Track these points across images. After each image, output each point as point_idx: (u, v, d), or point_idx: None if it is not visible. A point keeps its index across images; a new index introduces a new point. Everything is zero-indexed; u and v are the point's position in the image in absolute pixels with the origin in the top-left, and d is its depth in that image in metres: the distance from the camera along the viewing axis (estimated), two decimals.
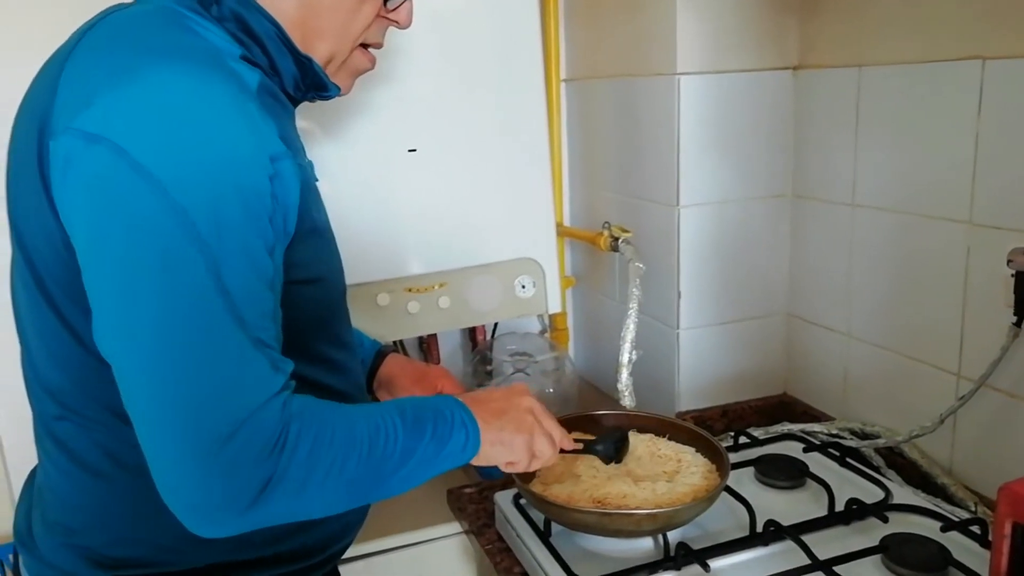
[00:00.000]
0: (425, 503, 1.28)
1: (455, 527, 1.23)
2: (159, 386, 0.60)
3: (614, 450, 0.96)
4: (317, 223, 0.78)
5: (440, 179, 1.27)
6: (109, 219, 0.60)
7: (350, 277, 1.23)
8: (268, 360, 0.64)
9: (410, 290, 1.28)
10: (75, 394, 0.71)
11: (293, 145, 0.77)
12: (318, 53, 0.77)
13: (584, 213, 1.57)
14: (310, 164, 0.82)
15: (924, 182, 1.07)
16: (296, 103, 0.83)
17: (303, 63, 0.76)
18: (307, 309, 0.77)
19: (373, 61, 0.86)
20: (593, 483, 0.96)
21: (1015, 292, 0.95)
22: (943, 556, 0.87)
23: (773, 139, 1.29)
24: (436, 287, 1.29)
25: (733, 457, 1.12)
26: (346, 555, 1.18)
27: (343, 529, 0.89)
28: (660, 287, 1.32)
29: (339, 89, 0.83)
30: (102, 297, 0.62)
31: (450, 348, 1.49)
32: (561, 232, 1.52)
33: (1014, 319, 0.95)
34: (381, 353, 1.10)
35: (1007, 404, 0.98)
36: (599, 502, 0.93)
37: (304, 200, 0.72)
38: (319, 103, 0.86)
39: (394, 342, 1.38)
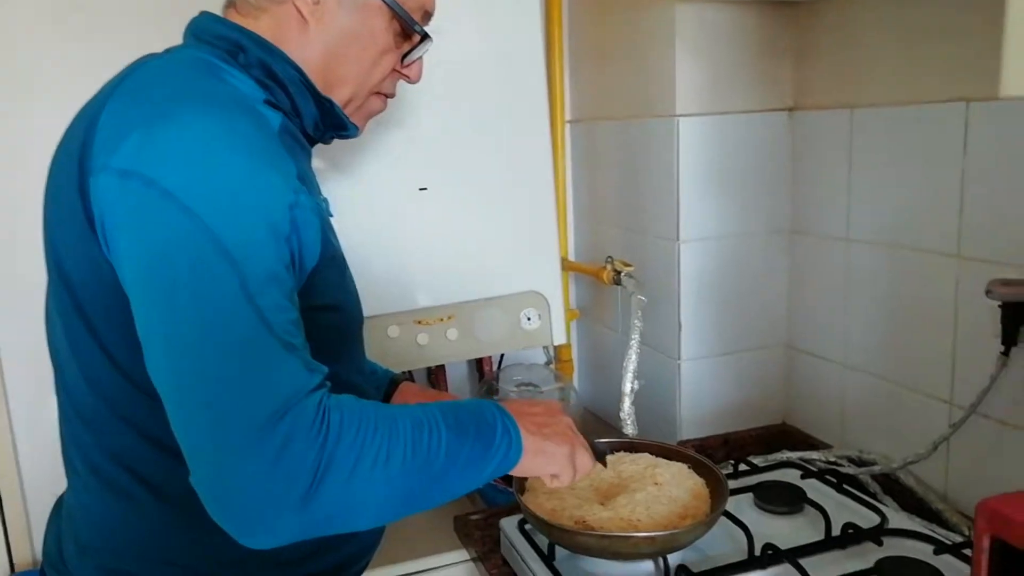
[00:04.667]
0: (432, 531, 1.30)
1: (462, 554, 1.26)
2: (201, 391, 0.63)
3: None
4: (335, 253, 0.82)
5: (449, 216, 1.32)
6: (146, 245, 0.64)
7: (363, 310, 1.30)
8: (301, 361, 0.67)
9: (419, 322, 1.33)
10: (109, 418, 0.75)
11: (310, 182, 0.83)
12: (338, 97, 0.83)
13: (588, 248, 1.62)
14: (325, 201, 0.87)
15: (914, 217, 1.11)
16: (313, 143, 0.89)
17: (324, 105, 0.82)
18: (327, 334, 0.79)
19: (385, 103, 0.92)
20: (581, 502, 0.99)
21: (1002, 322, 0.98)
22: None
23: (771, 177, 1.34)
24: (444, 319, 1.34)
25: (733, 484, 1.15)
26: None
27: (360, 551, 0.92)
28: (662, 319, 1.36)
29: (358, 128, 0.89)
30: (149, 322, 0.65)
31: (458, 380, 1.53)
32: (566, 266, 1.57)
33: (1002, 348, 0.98)
34: (394, 381, 1.14)
35: (997, 431, 1.01)
36: (585, 523, 0.95)
37: (323, 231, 0.76)
38: (335, 145, 0.91)
39: (404, 372, 1.42)
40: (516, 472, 0.79)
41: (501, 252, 1.36)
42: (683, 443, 1.34)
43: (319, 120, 0.84)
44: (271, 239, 0.68)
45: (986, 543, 0.61)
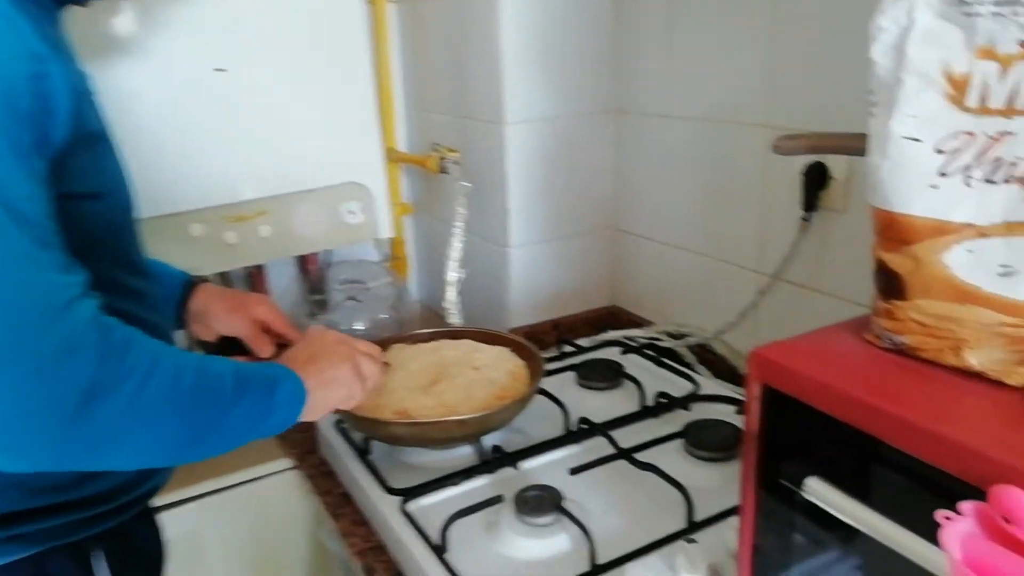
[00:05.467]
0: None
1: (287, 462, 1.21)
2: None
3: None
4: (95, 132, 0.73)
5: (254, 101, 1.20)
6: None
7: (158, 207, 1.17)
8: (58, 260, 0.61)
9: (228, 219, 1.22)
10: None
11: (60, 49, 0.71)
12: None
13: (419, 138, 1.54)
14: (84, 74, 0.76)
15: (727, 91, 1.10)
16: (63, 4, 0.76)
17: None
18: (89, 227, 0.72)
19: None
20: (404, 394, 0.96)
21: (803, 188, 1.00)
22: (736, 435, 0.92)
23: (594, 56, 1.29)
24: (256, 215, 1.24)
25: (557, 365, 1.15)
26: (175, 498, 1.14)
27: (149, 470, 0.85)
28: (490, 206, 1.32)
29: None
30: None
31: (282, 282, 1.44)
32: (394, 157, 1.49)
33: (803, 214, 1.01)
34: (191, 284, 1.04)
35: (799, 295, 1.05)
36: (406, 412, 0.92)
37: (77, 107, 0.66)
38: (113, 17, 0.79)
39: (219, 276, 1.31)
40: (311, 415, 0.78)
41: (316, 141, 1.26)
42: (514, 330, 1.32)
43: None
44: (14, 117, 0.58)
45: (756, 390, 0.61)
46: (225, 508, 1.19)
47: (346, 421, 1.00)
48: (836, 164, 0.97)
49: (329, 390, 0.80)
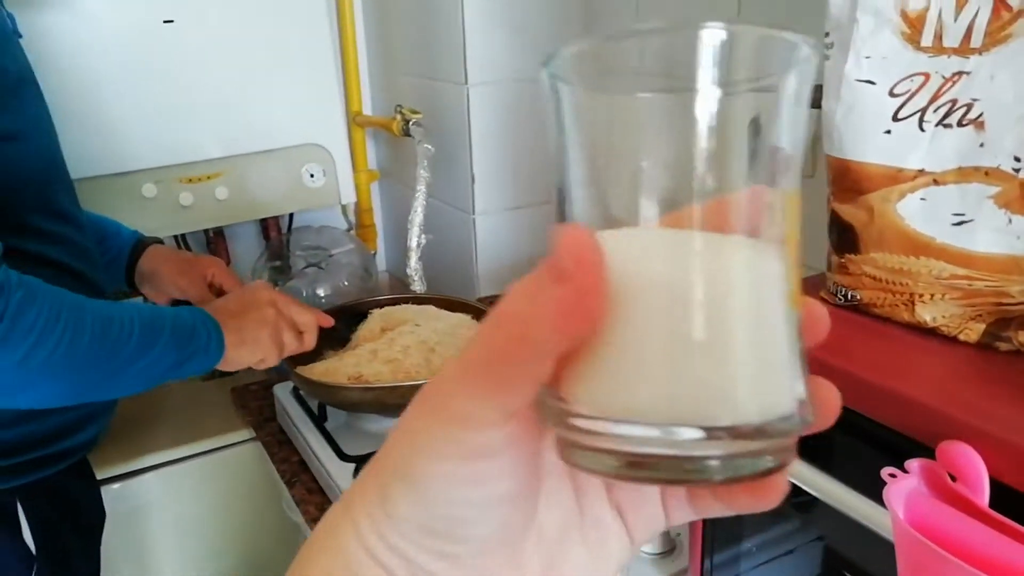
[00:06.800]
0: (216, 409, 1.21)
1: (251, 432, 1.18)
2: None
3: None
4: (14, 74, 0.71)
5: (206, 56, 1.16)
6: None
7: (107, 166, 1.13)
8: None
9: (182, 180, 1.18)
10: None
11: None
12: None
13: (386, 102, 1.50)
14: (8, 15, 0.73)
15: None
16: None
17: None
18: (8, 168, 0.70)
19: None
20: (359, 359, 0.93)
21: None
22: None
23: (564, 15, 1.25)
24: (211, 176, 1.20)
25: None
26: (135, 467, 1.11)
27: (82, 418, 0.83)
28: (456, 172, 1.29)
29: None
30: None
31: (244, 246, 1.40)
32: (359, 121, 1.45)
33: None
34: (141, 244, 1.01)
35: None
36: (361, 378, 0.90)
37: None
38: None
39: (176, 240, 1.27)
40: (227, 366, 0.79)
41: (273, 99, 1.22)
42: (482, 300, 1.29)
43: None
44: None
45: None
46: (184, 479, 1.16)
47: (301, 387, 0.97)
48: None
49: (243, 349, 0.81)
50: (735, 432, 0.20)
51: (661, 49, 0.22)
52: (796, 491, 0.51)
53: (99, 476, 0.99)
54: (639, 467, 0.21)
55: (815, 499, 0.49)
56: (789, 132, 0.22)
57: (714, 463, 0.21)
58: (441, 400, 0.23)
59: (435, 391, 0.23)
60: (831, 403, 0.24)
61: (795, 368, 0.22)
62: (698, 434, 0.20)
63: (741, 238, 0.21)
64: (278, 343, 0.83)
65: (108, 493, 1.04)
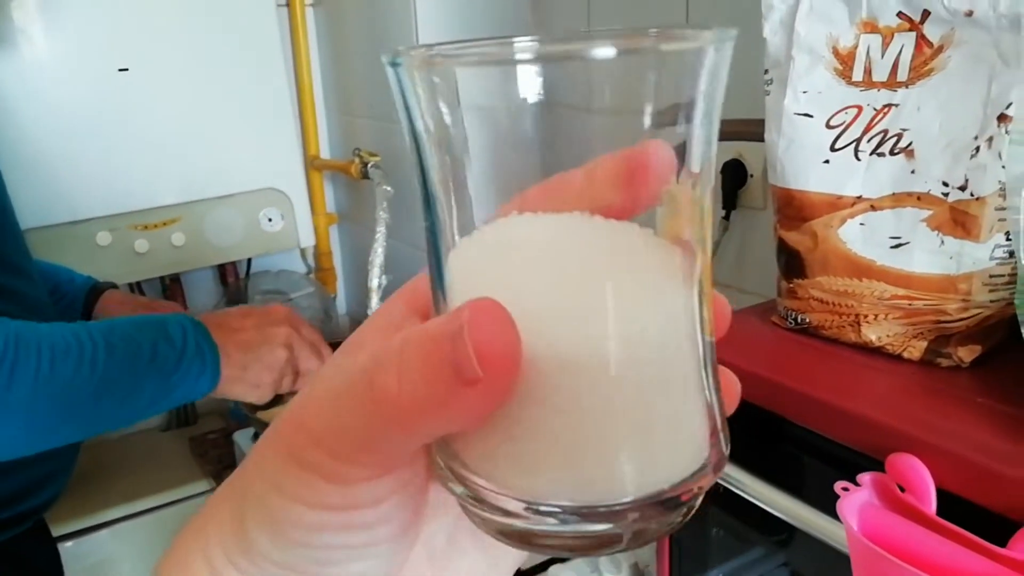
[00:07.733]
0: (175, 459, 1.19)
1: (209, 483, 1.16)
2: None
3: None
4: None
5: (161, 103, 1.16)
6: None
7: (61, 214, 1.12)
8: None
9: (137, 227, 1.17)
10: None
11: None
12: None
13: (342, 144, 1.51)
14: None
15: None
16: None
17: None
18: None
19: None
20: None
21: (722, 187, 1.01)
22: None
23: None
24: (167, 222, 1.19)
25: None
26: (91, 523, 1.08)
27: (42, 479, 0.80)
28: (415, 213, 1.29)
29: None
30: None
31: (201, 292, 1.39)
32: (316, 165, 1.46)
33: (723, 213, 1.01)
34: (96, 290, 0.99)
35: (721, 293, 1.05)
36: None
37: None
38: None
39: (131, 287, 1.26)
40: (217, 395, 0.72)
41: (229, 145, 1.23)
42: None
43: None
44: None
45: None
46: (143, 533, 1.13)
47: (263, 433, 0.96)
48: (753, 160, 0.98)
49: (238, 387, 0.74)
50: (641, 505, 0.19)
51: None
52: (762, 516, 0.52)
53: (55, 533, 0.96)
54: (543, 538, 0.19)
55: (780, 523, 0.50)
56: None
57: (622, 534, 0.19)
58: (299, 450, 0.20)
59: (291, 434, 0.20)
60: (732, 395, 0.23)
61: (705, 409, 0.21)
62: (602, 518, 0.19)
63: (648, 277, 0.20)
64: (277, 387, 0.77)
65: (64, 551, 1.00)
